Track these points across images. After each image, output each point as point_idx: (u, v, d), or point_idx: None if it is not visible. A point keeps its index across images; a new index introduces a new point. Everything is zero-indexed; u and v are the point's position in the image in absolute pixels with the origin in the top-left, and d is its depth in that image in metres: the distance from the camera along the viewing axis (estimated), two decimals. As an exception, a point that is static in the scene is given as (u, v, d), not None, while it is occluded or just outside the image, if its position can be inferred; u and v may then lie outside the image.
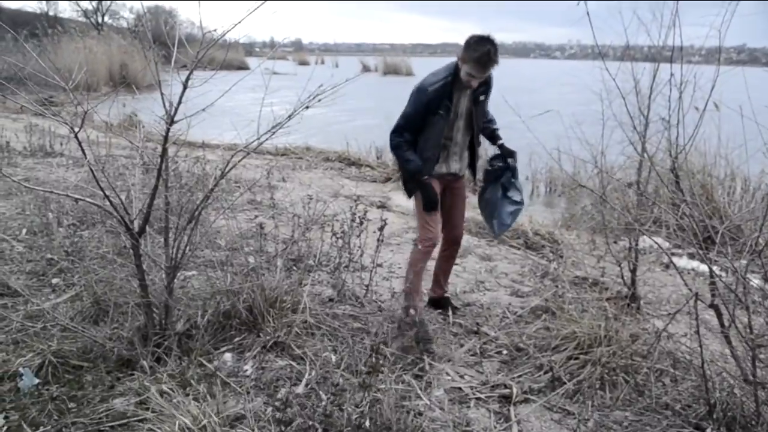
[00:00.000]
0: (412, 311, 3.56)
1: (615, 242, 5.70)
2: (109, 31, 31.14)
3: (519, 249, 5.82)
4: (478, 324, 3.95)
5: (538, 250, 5.81)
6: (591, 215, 6.66)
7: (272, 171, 8.03)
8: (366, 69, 38.80)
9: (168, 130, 2.97)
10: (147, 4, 44.60)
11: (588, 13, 3.27)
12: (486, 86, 3.78)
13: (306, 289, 3.78)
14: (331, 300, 4.13)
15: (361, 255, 4.58)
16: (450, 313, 4.09)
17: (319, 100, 3.14)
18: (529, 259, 5.47)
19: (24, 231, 5.11)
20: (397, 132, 3.75)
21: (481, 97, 3.78)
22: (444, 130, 3.71)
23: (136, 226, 3.11)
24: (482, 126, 3.95)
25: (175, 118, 2.95)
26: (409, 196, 3.96)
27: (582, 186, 5.11)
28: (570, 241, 5.94)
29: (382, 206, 7.26)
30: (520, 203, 4.01)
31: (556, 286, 4.49)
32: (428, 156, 3.72)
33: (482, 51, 3.48)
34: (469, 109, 3.78)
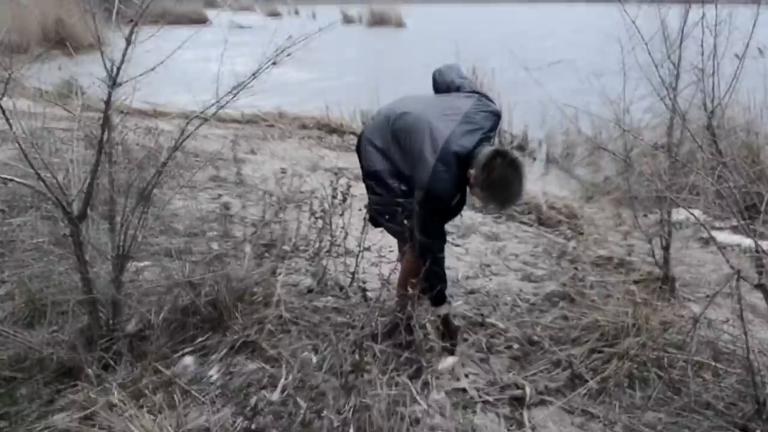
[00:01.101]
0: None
1: (645, 215, 5.69)
2: (41, -20, 30.73)
3: (531, 226, 5.82)
4: (483, 315, 3.94)
5: (554, 226, 5.81)
6: (616, 184, 6.66)
7: (239, 141, 7.98)
8: (348, 20, 38.47)
9: (110, 94, 2.94)
10: (85, -52, 43.93)
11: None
12: None
13: (280, 278, 3.77)
14: (310, 291, 4.12)
15: (345, 237, 4.56)
16: None
17: (289, 55, 3.10)
18: (543, 238, 5.48)
19: (-57, 220, 5.05)
20: (440, 237, 3.38)
21: None
22: None
23: (75, 209, 3.07)
24: None
25: (119, 80, 2.91)
26: (376, 225, 3.74)
27: (603, 149, 5.09)
28: (591, 216, 5.95)
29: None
30: None
31: (576, 268, 4.49)
32: None
33: (507, 193, 3.16)
34: None
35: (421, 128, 3.22)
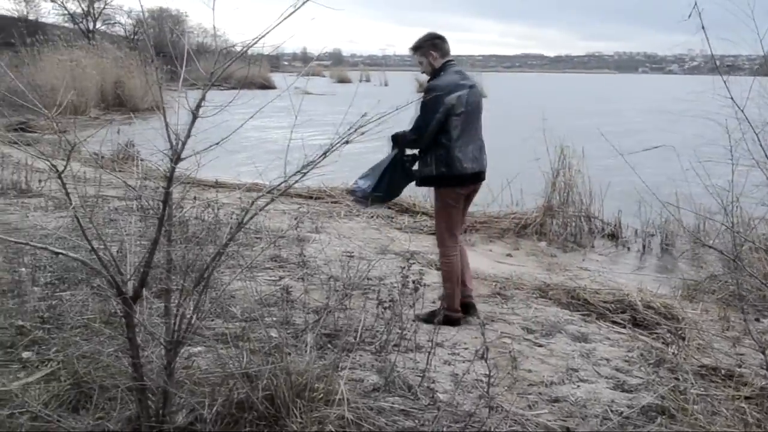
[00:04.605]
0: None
1: (757, 320, 5.56)
2: (101, 39, 32.49)
3: (625, 327, 5.72)
4: (569, 428, 3.88)
5: (651, 328, 5.69)
6: (723, 283, 6.52)
7: (303, 219, 8.14)
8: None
9: (173, 170, 3.02)
10: (149, 7, 46.37)
11: (700, 16, 3.25)
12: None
13: (344, 374, 3.77)
14: (375, 390, 4.11)
15: (416, 331, 4.57)
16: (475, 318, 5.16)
17: (362, 134, 3.18)
18: (638, 341, 5.37)
19: (-10, 291, 5.25)
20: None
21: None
22: None
23: (129, 288, 3.15)
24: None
25: (183, 155, 3.01)
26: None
27: (707, 246, 5.03)
28: (694, 318, 5.82)
29: (444, 266, 7.25)
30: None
31: (676, 378, 4.39)
32: None
33: None
34: None
35: None
